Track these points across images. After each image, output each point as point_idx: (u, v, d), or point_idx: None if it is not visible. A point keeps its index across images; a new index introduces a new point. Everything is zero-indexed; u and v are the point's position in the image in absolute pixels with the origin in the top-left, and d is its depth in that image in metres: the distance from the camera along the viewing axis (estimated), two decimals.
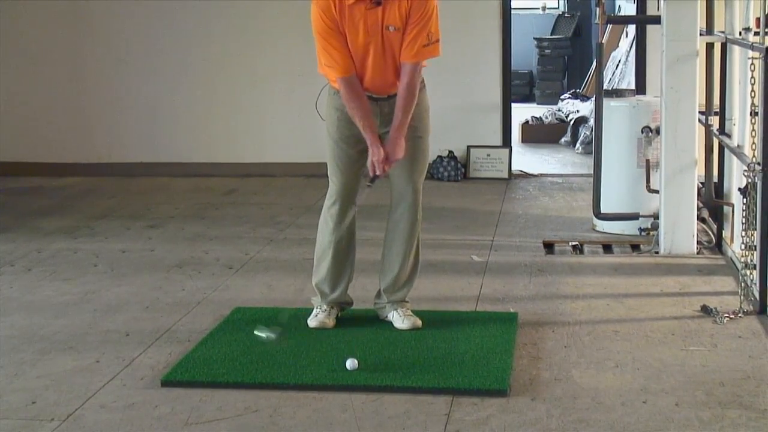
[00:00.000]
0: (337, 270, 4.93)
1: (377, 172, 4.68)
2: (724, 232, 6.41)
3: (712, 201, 6.57)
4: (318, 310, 4.97)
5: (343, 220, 4.88)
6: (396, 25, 4.58)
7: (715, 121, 6.53)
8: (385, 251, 4.95)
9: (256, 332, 4.70)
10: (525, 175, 9.16)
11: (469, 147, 9.03)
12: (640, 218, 6.66)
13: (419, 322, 4.88)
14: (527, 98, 14.32)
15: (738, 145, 5.96)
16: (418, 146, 4.81)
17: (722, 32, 6.39)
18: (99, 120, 9.40)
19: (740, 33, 6.03)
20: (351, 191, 4.86)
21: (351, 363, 4.36)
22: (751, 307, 5.11)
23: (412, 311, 4.95)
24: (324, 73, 4.78)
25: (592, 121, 9.11)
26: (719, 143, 6.43)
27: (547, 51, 14.45)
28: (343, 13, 4.58)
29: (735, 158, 6.06)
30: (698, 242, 6.36)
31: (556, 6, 15.51)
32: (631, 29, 10.68)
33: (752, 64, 5.27)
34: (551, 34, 14.77)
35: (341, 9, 4.57)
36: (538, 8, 15.41)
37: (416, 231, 4.89)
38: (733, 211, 6.22)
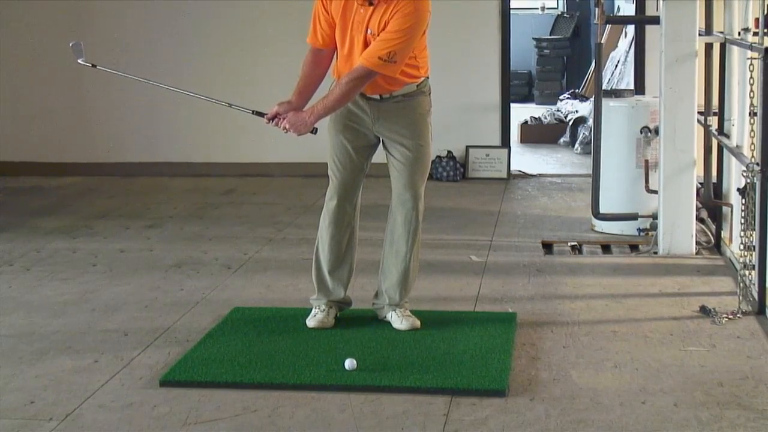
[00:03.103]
0: (334, 266, 4.93)
1: (267, 113, 4.79)
2: (722, 232, 6.41)
3: (711, 201, 6.57)
4: (317, 309, 4.96)
5: (340, 217, 4.88)
6: (374, 30, 4.60)
7: (714, 121, 6.53)
8: (384, 253, 4.95)
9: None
10: (524, 176, 9.16)
11: (468, 147, 9.04)
12: (638, 218, 6.67)
13: (418, 323, 4.88)
14: (526, 98, 14.33)
15: (737, 146, 5.96)
16: (418, 152, 4.81)
17: (721, 32, 6.39)
18: (98, 120, 9.40)
19: (739, 33, 6.03)
20: (349, 188, 4.86)
21: (350, 363, 4.36)
22: (750, 308, 5.11)
23: (410, 311, 4.94)
24: None
25: (591, 122, 9.11)
26: (718, 144, 6.43)
27: (546, 51, 14.45)
28: (338, 2, 4.65)
29: (734, 159, 6.06)
30: (697, 243, 6.36)
31: (555, 6, 15.51)
32: (630, 29, 10.69)
33: (751, 64, 5.27)
34: (550, 35, 14.77)
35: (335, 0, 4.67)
36: (537, 8, 15.41)
37: (415, 235, 4.88)
38: (731, 212, 6.22)
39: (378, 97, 4.76)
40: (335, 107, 4.68)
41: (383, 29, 4.57)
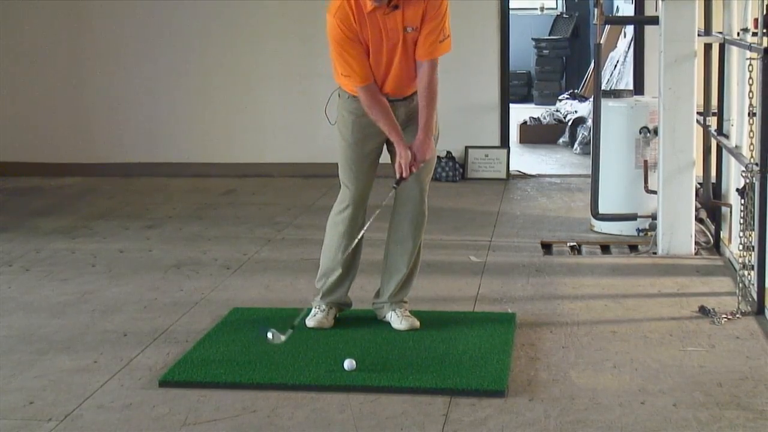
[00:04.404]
0: (343, 273, 4.93)
1: (404, 174, 4.68)
2: (722, 232, 6.41)
3: (710, 202, 6.57)
4: (317, 309, 4.96)
5: (353, 225, 4.86)
6: (414, 25, 4.61)
7: (713, 121, 6.53)
8: (390, 251, 4.94)
9: (264, 333, 4.46)
10: (523, 176, 9.16)
11: (467, 147, 9.03)
12: (638, 219, 6.67)
13: (417, 323, 4.88)
14: (525, 99, 14.32)
15: (736, 146, 5.97)
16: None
17: (720, 33, 6.39)
18: (98, 120, 9.40)
19: (738, 34, 6.03)
20: (365, 195, 4.85)
21: (349, 363, 4.36)
22: (749, 308, 5.11)
23: (410, 312, 4.95)
24: (341, 83, 4.76)
25: (590, 122, 9.10)
26: (717, 144, 6.43)
27: (546, 51, 14.45)
28: (362, 21, 4.58)
29: (733, 159, 6.06)
30: (696, 243, 6.36)
31: (555, 6, 15.50)
32: (629, 30, 10.68)
33: (750, 64, 5.27)
34: (549, 35, 14.77)
35: (360, 18, 4.58)
36: (537, 9, 15.42)
37: (422, 231, 4.90)
38: (731, 212, 6.23)
39: (402, 98, 4.75)
40: (435, 109, 4.70)
41: (423, 19, 4.59)
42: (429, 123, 4.69)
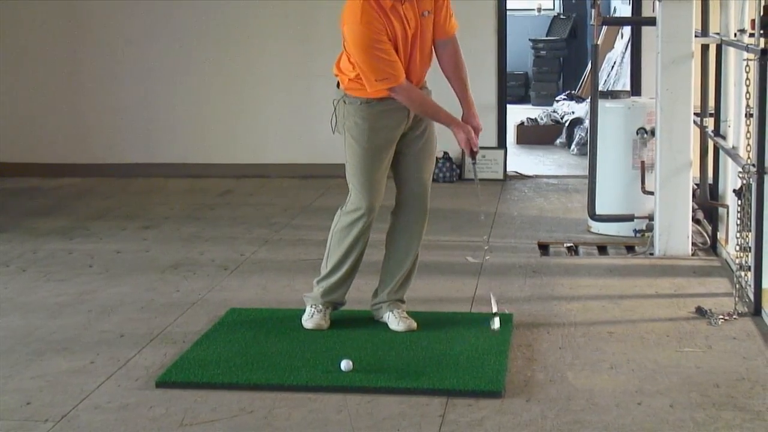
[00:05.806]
0: (349, 277, 4.94)
1: (474, 148, 4.79)
2: (718, 233, 6.41)
3: (707, 202, 6.57)
4: (313, 309, 4.96)
5: (367, 231, 4.85)
6: (429, 8, 4.67)
7: (710, 122, 6.53)
8: (392, 249, 4.93)
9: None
10: (520, 177, 9.16)
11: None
12: (635, 219, 6.67)
13: (414, 324, 4.88)
14: (522, 99, 14.31)
15: (733, 147, 5.97)
16: (430, 144, 4.87)
17: (717, 34, 6.40)
18: (95, 121, 9.39)
19: (735, 35, 6.04)
20: (379, 202, 4.83)
21: (346, 364, 4.36)
22: (746, 309, 5.12)
23: (407, 312, 4.95)
24: (374, 91, 4.65)
25: (587, 123, 9.10)
26: (714, 145, 6.44)
27: (543, 52, 14.46)
28: (387, 19, 4.60)
29: (730, 160, 6.07)
30: (693, 244, 6.36)
31: (552, 7, 15.51)
32: (627, 30, 10.69)
33: (747, 65, 5.27)
34: (547, 36, 14.77)
35: (384, 16, 4.59)
36: (534, 9, 15.42)
37: (424, 229, 4.92)
38: (727, 213, 6.23)
39: (418, 88, 4.77)
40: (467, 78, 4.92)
41: (436, 1, 4.68)
42: (470, 96, 4.90)
